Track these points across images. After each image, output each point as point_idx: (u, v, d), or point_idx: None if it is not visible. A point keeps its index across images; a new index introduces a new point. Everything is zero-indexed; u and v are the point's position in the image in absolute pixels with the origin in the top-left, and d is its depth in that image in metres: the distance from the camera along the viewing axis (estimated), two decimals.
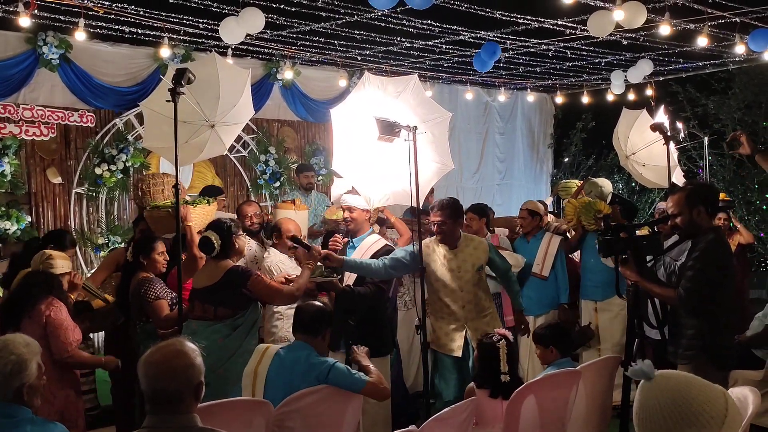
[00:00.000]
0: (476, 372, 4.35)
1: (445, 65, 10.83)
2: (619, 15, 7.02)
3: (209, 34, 8.11)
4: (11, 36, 8.05)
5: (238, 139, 9.58)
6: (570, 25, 8.30)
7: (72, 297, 4.87)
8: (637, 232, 4.34)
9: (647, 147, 6.89)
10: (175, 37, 8.46)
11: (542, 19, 8.17)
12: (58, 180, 8.49)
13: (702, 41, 8.29)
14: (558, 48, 9.60)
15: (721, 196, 6.55)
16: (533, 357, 5.54)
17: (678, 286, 4.02)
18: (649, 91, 12.29)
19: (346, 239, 5.17)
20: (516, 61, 10.59)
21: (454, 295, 4.98)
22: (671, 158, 6.17)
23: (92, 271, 7.67)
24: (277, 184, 10.26)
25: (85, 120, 8.68)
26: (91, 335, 6.53)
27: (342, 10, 7.47)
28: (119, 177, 8.76)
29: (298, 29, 8.25)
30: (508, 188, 13.73)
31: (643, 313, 4.31)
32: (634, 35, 8.56)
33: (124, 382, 5.24)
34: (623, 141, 7.16)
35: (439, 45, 9.27)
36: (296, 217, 6.39)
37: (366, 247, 5.16)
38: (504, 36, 8.85)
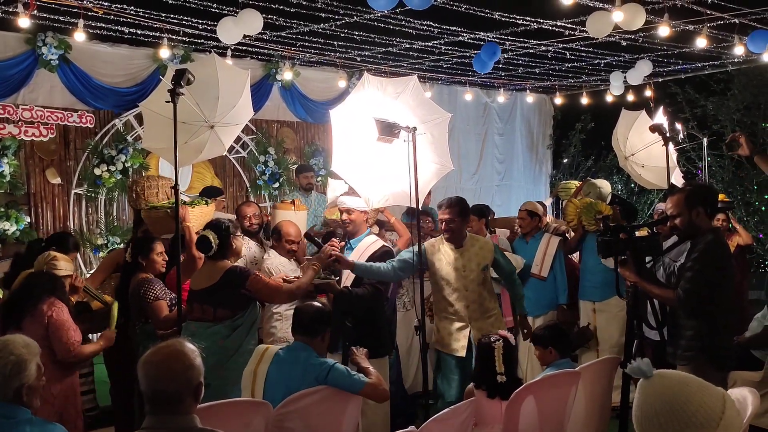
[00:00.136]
0: (473, 372, 4.35)
1: (445, 66, 10.84)
2: (618, 16, 7.03)
3: (208, 34, 8.12)
4: (10, 36, 8.06)
5: (238, 139, 9.58)
6: (569, 26, 8.31)
7: (72, 299, 4.87)
8: (637, 233, 4.34)
9: (646, 148, 6.89)
10: (174, 37, 8.46)
11: (541, 20, 8.17)
12: (57, 181, 8.49)
13: (701, 42, 8.30)
14: (557, 49, 9.61)
15: (721, 197, 6.55)
16: (532, 358, 5.54)
17: (677, 287, 4.03)
18: (648, 92, 12.30)
19: (342, 243, 5.16)
20: (515, 62, 10.60)
21: (459, 294, 4.97)
22: (670, 159, 6.17)
23: (91, 271, 7.67)
24: (277, 184, 10.26)
25: (84, 121, 8.69)
26: (90, 336, 6.53)
27: (341, 11, 7.48)
28: (118, 178, 8.76)
29: (298, 30, 8.25)
30: (507, 189, 13.74)
31: (643, 314, 4.31)
32: (633, 36, 8.57)
33: (124, 383, 5.24)
34: (622, 142, 7.16)
35: (439, 46, 9.27)
36: (295, 218, 6.39)
37: (363, 248, 5.15)
38: (503, 37, 8.85)
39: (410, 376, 6.61)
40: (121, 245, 8.07)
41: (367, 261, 5.02)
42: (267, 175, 10.16)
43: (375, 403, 4.36)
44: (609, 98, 12.13)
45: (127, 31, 8.04)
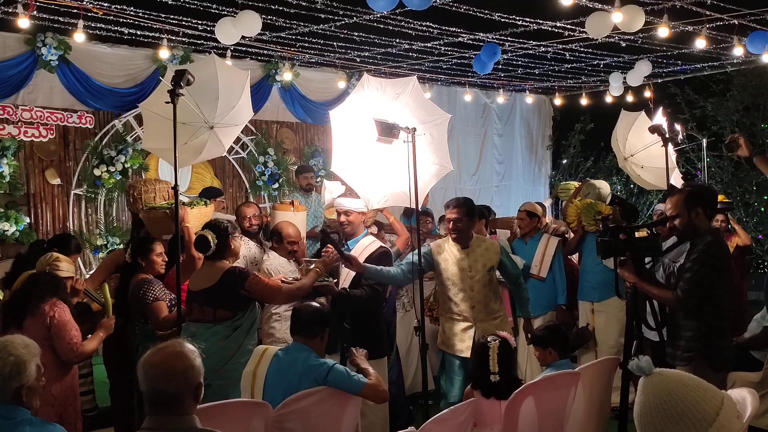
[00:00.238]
0: (470, 372, 4.36)
1: (444, 67, 10.85)
2: (617, 17, 7.03)
3: (208, 35, 8.12)
4: (10, 37, 8.06)
5: (237, 140, 9.57)
6: (569, 27, 8.31)
7: (73, 301, 4.86)
8: (636, 234, 4.34)
9: (646, 149, 6.89)
10: (174, 38, 8.47)
11: (541, 21, 8.18)
12: (56, 181, 8.49)
13: (700, 43, 8.32)
14: (556, 50, 9.61)
15: (720, 198, 6.56)
16: (531, 358, 5.55)
17: (676, 287, 4.03)
18: (648, 93, 12.32)
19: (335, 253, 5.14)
20: (514, 62, 10.61)
21: (464, 295, 4.98)
22: (669, 160, 6.17)
23: (91, 272, 7.67)
24: (276, 185, 10.26)
25: (83, 121, 8.69)
26: (89, 336, 6.52)
27: (341, 12, 7.48)
28: (118, 178, 8.77)
29: (297, 31, 8.26)
30: (506, 190, 13.75)
31: (642, 315, 4.31)
32: (632, 37, 8.57)
33: (123, 384, 5.24)
34: (621, 143, 7.16)
35: (438, 47, 9.28)
36: (294, 219, 6.39)
37: (361, 249, 5.15)
38: (502, 38, 8.86)
39: (409, 377, 6.62)
40: (121, 246, 8.07)
41: (364, 262, 5.02)
42: (266, 175, 10.17)
43: (374, 404, 4.36)
44: (608, 99, 12.14)
45: (126, 31, 8.04)
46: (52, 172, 8.46)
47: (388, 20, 7.81)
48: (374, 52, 9.54)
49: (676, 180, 7.00)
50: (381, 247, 5.20)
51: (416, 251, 4.89)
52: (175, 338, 2.80)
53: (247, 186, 10.24)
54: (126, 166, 8.80)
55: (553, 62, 10.60)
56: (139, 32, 8.10)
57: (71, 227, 8.53)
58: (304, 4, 7.15)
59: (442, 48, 9.38)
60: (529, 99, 13.54)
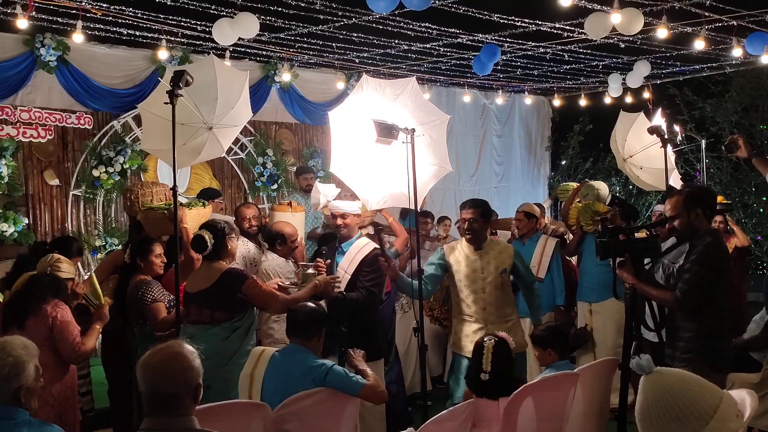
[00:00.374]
0: (467, 371, 4.36)
1: (443, 68, 10.84)
2: (616, 18, 7.04)
3: (207, 36, 8.11)
4: (9, 38, 8.06)
5: (236, 141, 9.55)
6: (567, 28, 8.32)
7: (73, 304, 4.86)
8: (635, 235, 4.34)
9: (644, 150, 6.89)
10: (172, 39, 8.46)
11: (540, 22, 8.18)
12: (55, 182, 8.48)
13: (699, 44, 8.32)
14: (555, 51, 9.61)
15: (719, 199, 6.56)
16: (531, 359, 5.54)
17: (675, 288, 4.03)
18: (647, 94, 12.32)
19: (328, 261, 5.13)
20: (513, 63, 10.61)
21: (476, 296, 4.97)
22: (668, 161, 6.18)
23: (89, 273, 7.65)
24: (275, 186, 10.25)
25: (82, 122, 8.68)
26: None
27: (340, 13, 7.48)
28: (116, 179, 8.75)
29: (296, 31, 8.25)
30: (505, 191, 13.74)
31: (641, 316, 4.31)
32: (631, 38, 8.57)
33: (122, 384, 5.23)
34: (620, 144, 7.16)
35: (437, 48, 9.28)
36: (293, 219, 6.39)
37: (355, 252, 5.13)
38: (502, 39, 8.86)
39: (408, 378, 6.62)
40: (119, 247, 8.06)
41: (360, 263, 5.02)
42: (265, 176, 10.16)
43: (372, 406, 4.35)
44: (607, 100, 12.14)
45: (125, 32, 8.04)
46: (51, 172, 8.46)
47: (387, 21, 7.81)
48: (373, 53, 9.54)
49: (676, 181, 7.01)
50: (375, 248, 5.18)
51: (428, 261, 4.88)
52: (174, 339, 2.79)
53: (246, 187, 10.23)
54: (125, 166, 8.79)
55: (552, 63, 10.60)
56: (137, 33, 8.10)
57: (70, 228, 8.53)
58: (303, 5, 7.15)
59: (441, 49, 9.37)
60: (528, 100, 13.54)
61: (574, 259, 6.88)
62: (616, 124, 7.29)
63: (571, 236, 6.73)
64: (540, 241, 6.61)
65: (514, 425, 3.84)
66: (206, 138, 5.36)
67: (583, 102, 12.86)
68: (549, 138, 14.58)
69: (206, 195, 6.91)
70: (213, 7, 7.18)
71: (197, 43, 8.79)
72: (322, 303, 4.76)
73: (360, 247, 5.14)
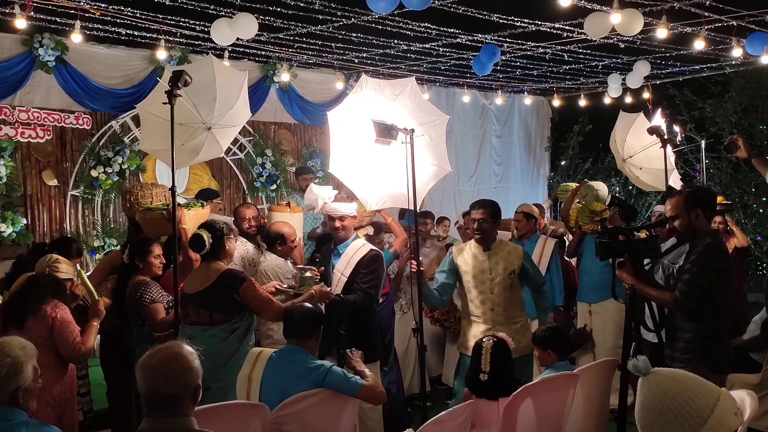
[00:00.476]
0: (467, 372, 4.35)
1: (443, 68, 10.84)
2: (615, 18, 7.03)
3: (206, 36, 8.10)
4: (7, 38, 8.05)
5: (235, 141, 9.55)
6: (567, 28, 8.31)
7: (72, 305, 4.84)
8: (635, 235, 4.33)
9: (644, 150, 6.89)
10: (171, 39, 8.45)
11: (539, 22, 8.17)
12: (53, 182, 8.47)
13: (699, 45, 8.32)
14: (555, 51, 9.61)
15: (719, 199, 6.55)
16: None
17: (675, 289, 4.02)
18: (646, 95, 12.32)
19: (323, 268, 5.12)
20: (513, 64, 10.61)
21: (484, 297, 4.97)
22: (668, 161, 6.17)
23: (88, 274, 7.64)
24: (274, 186, 10.24)
25: (81, 122, 8.67)
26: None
27: (339, 13, 7.47)
28: (115, 179, 8.75)
29: (295, 32, 8.25)
30: (505, 191, 13.74)
31: (640, 316, 4.30)
32: (631, 38, 8.57)
33: (120, 385, 5.22)
34: (620, 144, 7.15)
35: (437, 48, 9.27)
36: (291, 220, 6.38)
37: (352, 253, 5.11)
38: (501, 39, 8.85)
39: (406, 379, 6.61)
40: (118, 247, 8.05)
41: (356, 265, 5.01)
42: (264, 177, 10.15)
43: (369, 408, 4.34)
44: (607, 100, 12.15)
45: (123, 32, 8.03)
46: (49, 173, 8.45)
47: (386, 21, 7.81)
48: (372, 53, 9.53)
49: (675, 181, 7.00)
50: (372, 250, 5.16)
51: (439, 269, 4.87)
52: (173, 340, 2.78)
53: (245, 187, 10.22)
54: (123, 167, 8.78)
55: (551, 63, 10.60)
56: (136, 33, 8.09)
57: (68, 228, 8.52)
58: (302, 5, 7.15)
59: (441, 49, 9.37)
60: (528, 100, 13.53)
61: (573, 260, 6.87)
62: (616, 125, 7.29)
63: (570, 237, 6.72)
64: (539, 242, 6.60)
65: (513, 426, 3.83)
66: (205, 138, 5.35)
67: (582, 102, 12.86)
68: (548, 138, 14.58)
69: (205, 195, 6.90)
70: (212, 7, 7.17)
71: (196, 43, 8.78)
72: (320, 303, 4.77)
73: (356, 249, 5.13)
